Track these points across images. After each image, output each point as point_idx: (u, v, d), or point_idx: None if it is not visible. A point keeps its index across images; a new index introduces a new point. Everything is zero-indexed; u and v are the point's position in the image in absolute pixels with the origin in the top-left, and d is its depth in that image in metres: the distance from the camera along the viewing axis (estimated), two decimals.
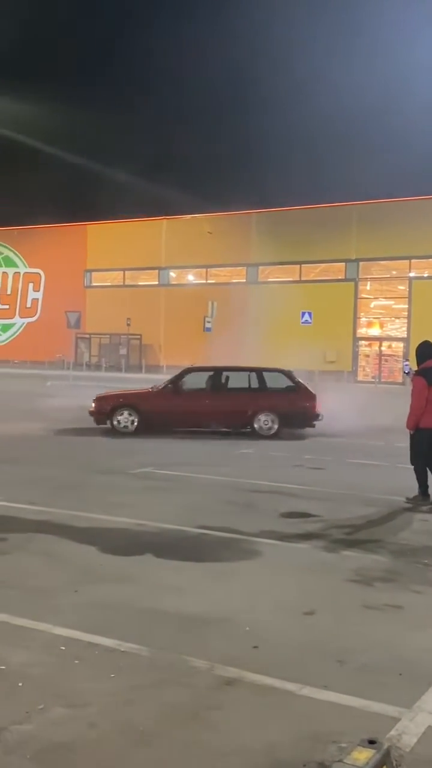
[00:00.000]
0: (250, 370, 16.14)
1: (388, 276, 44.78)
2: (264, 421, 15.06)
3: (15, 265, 55.02)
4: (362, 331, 44.79)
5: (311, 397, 15.28)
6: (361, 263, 43.58)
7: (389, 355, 43.52)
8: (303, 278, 45.23)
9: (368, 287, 45.11)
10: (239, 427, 15.23)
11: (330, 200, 43.75)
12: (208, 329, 39.52)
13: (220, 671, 4.19)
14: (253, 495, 9.35)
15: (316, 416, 15.19)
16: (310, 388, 15.57)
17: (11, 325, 55.00)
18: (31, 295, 54.16)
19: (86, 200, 49.92)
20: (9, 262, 55.31)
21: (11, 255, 55.15)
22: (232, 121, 59.69)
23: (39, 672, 4.14)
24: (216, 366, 16.65)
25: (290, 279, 45.51)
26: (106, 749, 3.41)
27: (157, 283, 49.82)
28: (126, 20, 70.00)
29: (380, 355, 43.52)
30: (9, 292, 55.04)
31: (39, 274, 53.85)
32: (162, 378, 39.20)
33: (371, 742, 3.37)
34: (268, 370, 16.02)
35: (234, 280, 48.04)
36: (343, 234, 42.65)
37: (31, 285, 54.20)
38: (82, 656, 4.35)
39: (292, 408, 15.18)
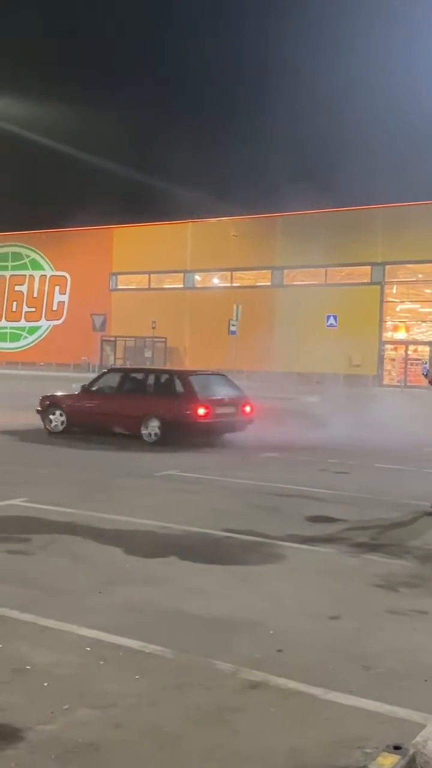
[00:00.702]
0: (150, 371, 15.74)
1: (415, 279, 44.49)
2: (151, 426, 14.08)
3: (41, 268, 55.43)
4: (388, 335, 44.51)
5: (195, 403, 13.88)
6: (387, 267, 43.32)
7: (415, 359, 43.20)
8: (328, 281, 45.08)
9: (394, 291, 44.83)
10: (134, 432, 14.30)
11: (356, 203, 43.60)
12: (233, 332, 39.53)
13: (244, 674, 4.18)
14: (278, 498, 9.34)
15: (200, 426, 13.91)
16: (199, 394, 14.09)
17: (37, 328, 55.38)
18: (57, 297, 54.48)
19: (112, 203, 50.19)
20: (35, 265, 55.72)
21: (38, 258, 55.57)
22: (256, 124, 59.73)
23: (64, 672, 4.16)
24: (128, 367, 16.29)
25: (315, 282, 45.38)
26: (130, 750, 3.42)
27: (182, 286, 49.91)
28: (156, 21, 70.32)
29: (406, 359, 43.22)
30: (35, 295, 55.43)
31: (65, 277, 54.18)
32: None
33: (396, 747, 3.35)
34: (166, 372, 15.42)
35: (259, 284, 48.00)
36: (369, 237, 42.43)
37: (57, 288, 54.53)
38: (107, 657, 4.37)
39: (173, 414, 13.97)
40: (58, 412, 15.20)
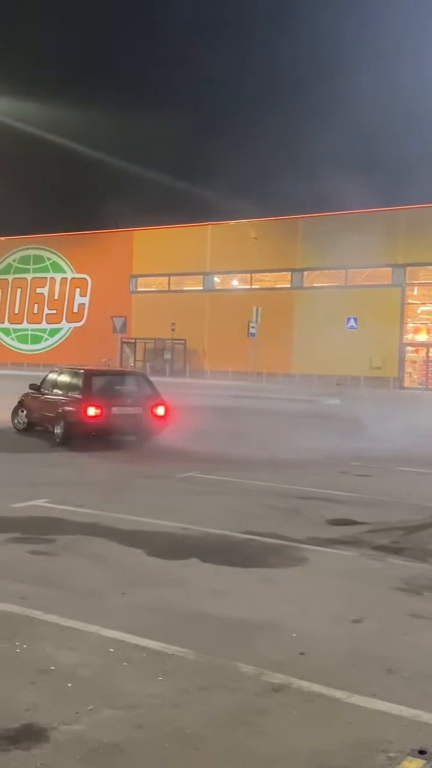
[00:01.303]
0: (70, 371, 15.50)
1: None
2: (59, 425, 14.01)
3: (62, 271, 55.75)
4: (409, 337, 44.28)
5: (87, 403, 13.70)
6: (408, 268, 43.10)
7: None
8: (349, 283, 44.94)
9: (415, 292, 44.60)
10: (53, 431, 14.29)
11: (376, 205, 43.42)
12: (253, 334, 39.50)
13: (267, 677, 4.19)
14: (299, 501, 9.32)
15: (92, 426, 13.64)
16: (95, 394, 14.01)
17: (58, 330, 55.70)
18: (78, 300, 54.77)
19: (132, 206, 50.36)
20: (57, 268, 56.05)
21: (59, 261, 55.89)
22: (279, 125, 59.65)
23: (88, 673, 4.19)
24: (63, 367, 16.10)
25: (336, 284, 45.26)
26: (153, 751, 3.43)
27: (201, 288, 49.98)
28: (172, 24, 70.46)
29: (427, 361, 42.97)
30: (57, 297, 55.76)
31: (86, 279, 54.46)
32: (206, 383, 39.12)
33: (421, 752, 3.34)
34: (77, 372, 15.17)
35: (279, 286, 47.98)
36: (390, 239, 42.25)
37: (78, 290, 54.81)
38: (130, 658, 4.39)
39: (71, 414, 13.87)
40: (20, 410, 15.89)
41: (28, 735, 3.50)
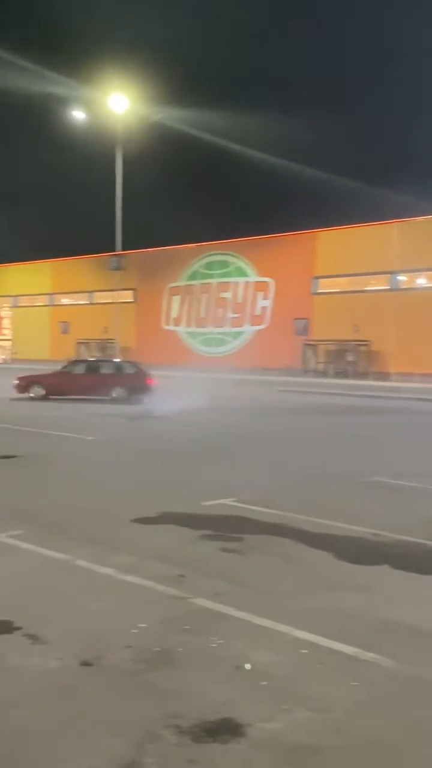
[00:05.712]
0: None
1: None
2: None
3: (246, 275, 56.71)
4: None
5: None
6: None
7: None
8: None
9: None
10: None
11: None
12: None
13: None
14: None
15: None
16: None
17: (241, 333, 56.67)
18: (261, 303, 55.42)
19: (317, 208, 50.31)
20: (240, 272, 57.09)
21: (242, 265, 56.90)
22: None
23: (282, 673, 4.21)
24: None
25: None
26: (352, 757, 3.39)
27: (387, 287, 48.88)
28: (353, 28, 69.59)
29: None
30: (240, 301, 56.80)
31: (268, 282, 55.04)
32: (390, 386, 38.28)
33: None
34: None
35: None
36: None
37: (260, 293, 55.51)
38: (324, 661, 4.36)
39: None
40: (35, 386, 24.94)
41: (226, 729, 3.57)
